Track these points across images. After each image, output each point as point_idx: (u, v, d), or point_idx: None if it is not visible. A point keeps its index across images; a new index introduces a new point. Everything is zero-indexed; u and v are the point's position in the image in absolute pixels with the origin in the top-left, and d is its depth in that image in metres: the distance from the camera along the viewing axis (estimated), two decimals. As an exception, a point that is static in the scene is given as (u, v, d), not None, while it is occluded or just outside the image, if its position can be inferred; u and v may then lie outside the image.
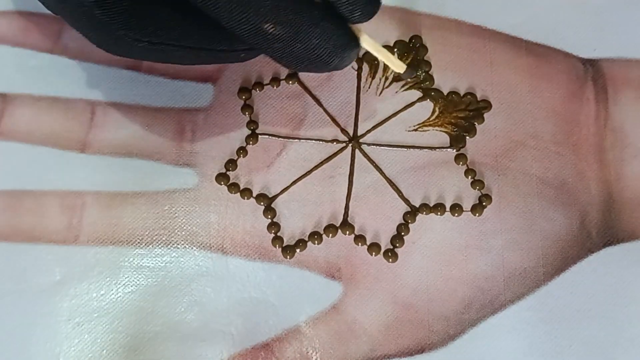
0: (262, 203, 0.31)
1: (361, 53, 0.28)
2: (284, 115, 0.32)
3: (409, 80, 0.32)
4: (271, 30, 0.24)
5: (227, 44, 0.26)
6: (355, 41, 0.26)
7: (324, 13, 0.24)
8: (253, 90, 0.32)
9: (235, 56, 0.27)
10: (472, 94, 0.32)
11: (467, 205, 0.31)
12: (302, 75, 0.32)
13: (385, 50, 0.28)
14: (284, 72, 0.32)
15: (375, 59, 0.32)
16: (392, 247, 0.30)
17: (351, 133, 0.32)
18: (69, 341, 0.29)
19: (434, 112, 0.32)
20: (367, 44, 0.27)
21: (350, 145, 0.32)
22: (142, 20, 0.24)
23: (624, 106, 0.32)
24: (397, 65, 0.29)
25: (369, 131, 0.32)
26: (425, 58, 0.32)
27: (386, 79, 0.32)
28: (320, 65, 0.25)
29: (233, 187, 0.31)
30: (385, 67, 0.32)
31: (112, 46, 0.26)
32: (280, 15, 0.24)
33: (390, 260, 0.30)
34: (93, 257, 0.30)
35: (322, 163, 0.31)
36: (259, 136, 0.32)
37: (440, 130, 0.32)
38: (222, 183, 0.31)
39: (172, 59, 0.27)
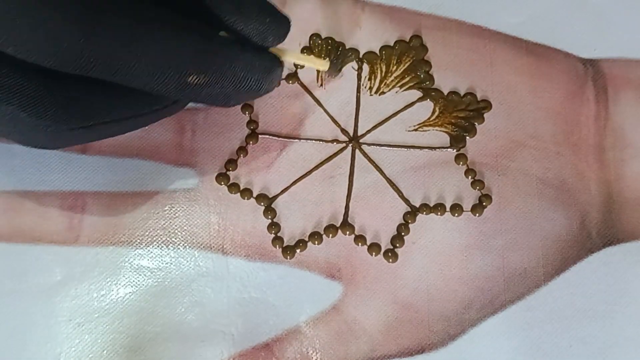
0: (262, 203, 0.31)
1: (287, 66, 0.29)
2: (284, 115, 0.32)
3: (333, 75, 0.32)
4: (196, 80, 0.24)
5: (157, 102, 0.26)
6: (277, 60, 0.26)
7: (239, 45, 0.25)
8: (253, 90, 0.32)
9: (168, 111, 0.27)
10: (472, 94, 0.32)
11: (467, 205, 0.31)
12: (303, 75, 0.32)
13: (304, 55, 0.29)
14: (283, 71, 0.32)
15: (377, 58, 0.32)
16: (392, 247, 0.30)
17: (351, 133, 0.32)
18: (70, 341, 0.29)
19: (434, 112, 0.32)
20: (289, 57, 0.27)
21: (350, 145, 0.32)
22: (69, 109, 0.24)
23: (624, 106, 0.32)
24: (321, 65, 0.29)
25: (369, 131, 0.32)
26: (426, 58, 0.32)
27: (385, 83, 0.32)
28: (252, 94, 0.26)
29: (233, 187, 0.31)
30: (387, 69, 0.32)
31: (45, 143, 0.25)
32: (201, 63, 0.24)
33: (391, 260, 0.30)
34: (93, 257, 0.30)
35: (322, 163, 0.31)
36: (259, 136, 0.32)
37: (440, 130, 0.32)
38: (222, 183, 0.31)
39: (108, 135, 0.26)
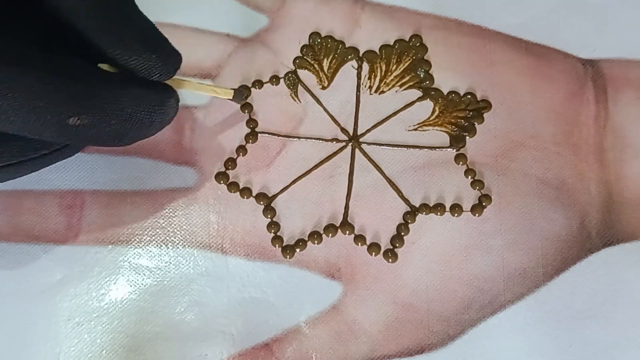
0: (261, 202, 0.31)
1: (184, 96, 0.27)
2: (283, 114, 0.32)
3: (240, 103, 0.32)
4: (78, 122, 0.22)
5: (44, 147, 0.24)
6: (168, 92, 0.25)
7: (124, 80, 0.23)
8: (252, 88, 0.32)
9: (60, 155, 0.25)
10: (472, 94, 0.32)
11: (467, 205, 0.31)
12: (303, 74, 0.32)
13: (205, 85, 0.28)
14: (283, 70, 0.32)
15: (377, 57, 0.32)
16: (392, 247, 0.30)
17: (351, 132, 0.32)
18: (69, 341, 0.29)
19: (434, 111, 0.32)
20: (187, 87, 0.26)
21: (350, 144, 0.32)
22: None
23: (624, 106, 0.32)
24: (224, 93, 0.29)
25: (368, 130, 0.32)
26: (425, 58, 0.32)
27: (385, 82, 0.32)
28: (146, 129, 0.24)
29: (232, 186, 0.31)
30: (387, 69, 0.32)
31: None
32: (80, 104, 0.22)
33: (390, 260, 0.30)
34: (93, 256, 0.30)
35: (322, 162, 0.31)
36: (259, 135, 0.31)
37: (440, 130, 0.32)
38: (222, 182, 0.31)
39: None
